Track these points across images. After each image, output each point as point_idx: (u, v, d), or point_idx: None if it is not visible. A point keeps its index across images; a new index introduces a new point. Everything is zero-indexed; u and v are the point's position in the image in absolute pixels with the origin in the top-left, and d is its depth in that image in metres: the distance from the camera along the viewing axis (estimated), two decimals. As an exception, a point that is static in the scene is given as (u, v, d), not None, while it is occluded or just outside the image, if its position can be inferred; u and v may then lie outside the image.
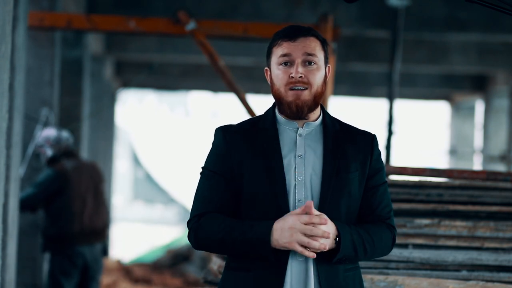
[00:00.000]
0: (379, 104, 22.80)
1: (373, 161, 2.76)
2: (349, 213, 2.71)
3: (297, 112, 2.70)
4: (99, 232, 6.35)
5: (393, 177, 4.40)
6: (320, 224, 2.59)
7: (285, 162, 2.69)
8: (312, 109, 2.71)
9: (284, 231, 2.58)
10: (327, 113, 2.80)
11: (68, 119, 8.85)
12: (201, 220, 2.69)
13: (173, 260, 13.45)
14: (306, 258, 2.66)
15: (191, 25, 6.43)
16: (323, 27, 6.36)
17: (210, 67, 11.90)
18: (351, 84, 15.40)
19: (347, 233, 2.64)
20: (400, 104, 21.43)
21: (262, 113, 2.83)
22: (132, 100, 35.14)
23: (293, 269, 2.66)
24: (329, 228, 2.62)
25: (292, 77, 2.68)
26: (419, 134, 33.59)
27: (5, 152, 3.97)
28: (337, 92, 12.93)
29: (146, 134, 33.80)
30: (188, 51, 11.37)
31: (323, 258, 2.66)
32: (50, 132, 6.42)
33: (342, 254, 2.63)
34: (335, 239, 2.63)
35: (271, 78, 2.76)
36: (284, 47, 2.71)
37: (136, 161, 30.53)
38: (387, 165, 4.31)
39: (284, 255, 2.65)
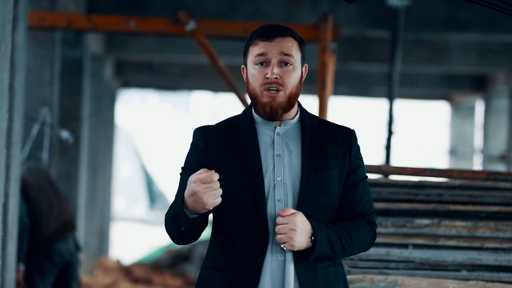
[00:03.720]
0: (379, 104, 22.81)
1: (352, 157, 2.74)
2: (328, 210, 2.70)
3: (271, 114, 2.69)
4: (71, 223, 6.31)
5: (393, 177, 4.40)
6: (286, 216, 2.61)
7: (263, 162, 2.68)
8: (286, 110, 2.70)
9: (188, 190, 2.55)
10: (305, 110, 2.79)
11: (68, 119, 8.85)
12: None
13: (173, 260, 13.46)
14: (285, 258, 2.65)
15: (191, 25, 6.44)
16: (323, 27, 6.36)
17: (210, 67, 11.89)
18: (351, 84, 15.40)
19: (323, 231, 2.64)
20: (400, 104, 21.43)
21: (240, 112, 2.82)
22: (135, 100, 35.12)
23: (273, 269, 2.65)
24: (304, 225, 2.61)
25: (268, 77, 2.67)
26: (419, 134, 33.59)
27: (5, 152, 3.97)
28: (337, 92, 12.92)
29: (149, 135, 33.78)
30: (188, 51, 11.37)
31: (301, 257, 2.65)
32: None
33: (318, 253, 2.63)
34: (311, 238, 2.62)
35: (247, 77, 2.74)
36: (261, 46, 2.69)
37: (139, 163, 30.51)
38: (387, 165, 4.31)
39: (260, 255, 2.65)
